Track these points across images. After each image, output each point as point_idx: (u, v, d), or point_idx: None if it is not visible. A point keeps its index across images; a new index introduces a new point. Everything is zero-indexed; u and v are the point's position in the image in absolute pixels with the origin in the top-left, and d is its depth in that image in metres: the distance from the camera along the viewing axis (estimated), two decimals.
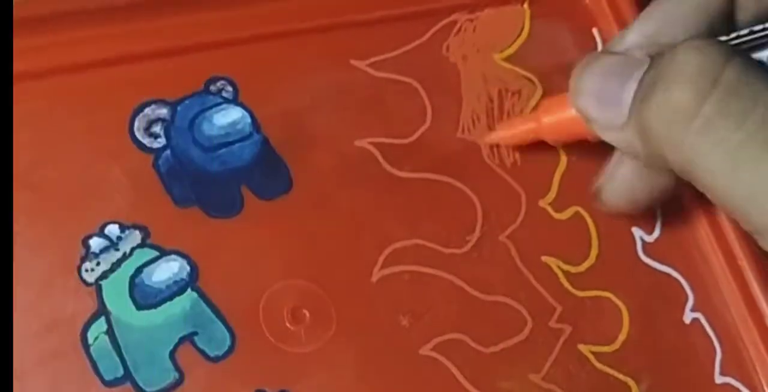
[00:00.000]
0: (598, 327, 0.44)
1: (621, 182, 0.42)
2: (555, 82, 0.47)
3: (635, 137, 0.36)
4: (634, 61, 0.35)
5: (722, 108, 0.32)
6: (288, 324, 0.42)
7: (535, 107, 0.46)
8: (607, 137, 0.37)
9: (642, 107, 0.34)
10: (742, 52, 0.34)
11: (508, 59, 0.48)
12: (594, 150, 0.46)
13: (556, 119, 0.43)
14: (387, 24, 0.47)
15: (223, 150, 0.44)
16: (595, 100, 0.36)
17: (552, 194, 0.46)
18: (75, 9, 0.43)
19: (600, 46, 0.49)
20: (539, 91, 0.47)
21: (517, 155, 0.46)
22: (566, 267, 0.45)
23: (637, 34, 0.38)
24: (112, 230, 0.42)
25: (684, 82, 0.33)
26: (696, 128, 0.32)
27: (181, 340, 0.41)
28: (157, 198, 0.43)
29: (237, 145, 0.44)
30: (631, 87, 0.35)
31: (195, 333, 0.41)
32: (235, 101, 0.45)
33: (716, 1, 0.37)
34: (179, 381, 0.40)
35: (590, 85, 0.36)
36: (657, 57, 0.35)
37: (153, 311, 0.41)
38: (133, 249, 0.42)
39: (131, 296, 0.41)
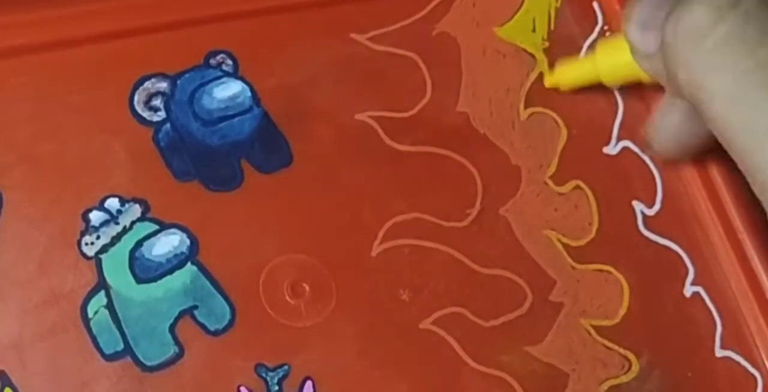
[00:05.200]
0: (598, 301, 0.43)
1: (669, 128, 0.40)
2: (555, 55, 0.46)
3: (661, 61, 0.34)
4: None
5: (738, 31, 0.30)
6: (288, 298, 0.41)
7: (593, 48, 0.45)
8: (643, 65, 0.36)
9: (664, 23, 0.33)
10: None
11: (508, 33, 0.46)
12: (596, 124, 0.45)
13: (612, 60, 0.42)
14: None
15: (223, 124, 0.42)
16: (639, 26, 0.35)
17: (552, 168, 0.45)
18: None
19: (600, 21, 0.47)
20: (539, 65, 0.46)
21: (518, 128, 0.45)
22: (566, 241, 0.44)
23: None
24: (112, 203, 0.41)
25: (705, 1, 0.31)
26: (708, 46, 0.31)
27: (181, 314, 0.40)
28: (156, 172, 0.41)
29: (237, 118, 0.43)
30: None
31: (195, 307, 0.40)
32: (235, 74, 0.43)
33: None
34: (179, 355, 0.39)
35: (637, 12, 0.35)
36: None
37: (153, 285, 0.40)
38: (133, 223, 0.41)
39: (131, 269, 0.40)
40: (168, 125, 0.42)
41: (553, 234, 0.44)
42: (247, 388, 0.39)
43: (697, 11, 0.31)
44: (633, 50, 0.36)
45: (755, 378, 0.43)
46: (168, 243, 0.40)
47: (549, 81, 0.45)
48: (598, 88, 0.45)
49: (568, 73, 0.45)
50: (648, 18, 0.35)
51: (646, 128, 0.43)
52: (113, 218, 0.40)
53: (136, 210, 0.41)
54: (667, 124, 0.41)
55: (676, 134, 0.41)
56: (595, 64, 0.43)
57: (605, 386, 0.42)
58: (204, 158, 0.42)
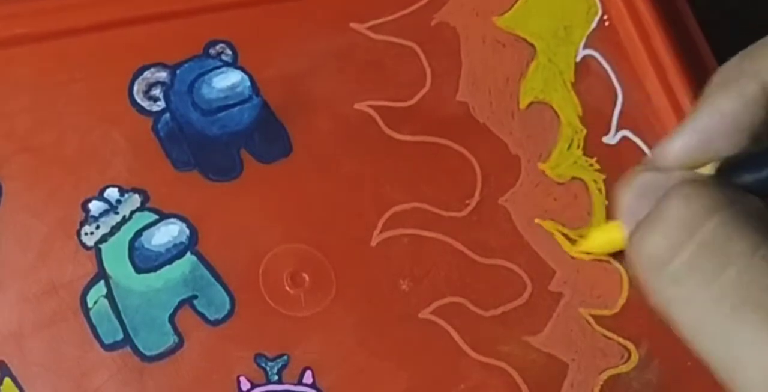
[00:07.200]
0: (597, 291, 0.42)
1: None
2: (553, 45, 0.45)
3: None
4: (662, 182, 0.32)
5: (693, 264, 0.29)
6: (288, 288, 0.40)
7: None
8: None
9: (628, 245, 0.32)
10: (741, 201, 0.31)
11: (507, 23, 0.45)
12: (595, 113, 0.44)
13: None
14: None
15: (223, 113, 0.42)
16: (628, 215, 0.33)
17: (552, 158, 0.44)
18: None
19: (600, 11, 0.46)
20: (539, 55, 0.45)
21: (518, 118, 0.44)
22: (566, 231, 0.43)
23: (680, 147, 0.34)
24: (112, 193, 0.40)
25: (661, 230, 0.30)
26: (666, 279, 0.30)
27: (181, 304, 0.39)
28: (156, 162, 0.41)
29: (236, 108, 0.42)
30: (646, 211, 0.32)
31: (194, 297, 0.39)
32: (234, 64, 0.43)
33: (758, 113, 0.34)
34: (179, 345, 0.39)
35: (624, 201, 0.33)
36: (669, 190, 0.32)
37: (152, 274, 0.39)
38: (132, 213, 0.40)
39: (131, 259, 0.39)
40: (167, 115, 0.41)
41: (552, 224, 0.43)
42: (246, 378, 0.39)
43: (652, 242, 0.30)
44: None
45: None
46: (167, 233, 0.40)
47: (580, 247, 0.43)
48: (596, 78, 0.45)
49: (599, 242, 0.42)
50: (630, 205, 0.33)
51: None
52: (113, 208, 0.40)
53: (135, 200, 0.40)
54: None
55: None
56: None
57: (605, 375, 0.41)
58: (203, 147, 0.41)
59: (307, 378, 0.39)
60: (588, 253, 0.43)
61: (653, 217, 0.31)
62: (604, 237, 0.42)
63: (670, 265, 0.30)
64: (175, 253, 0.40)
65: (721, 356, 0.29)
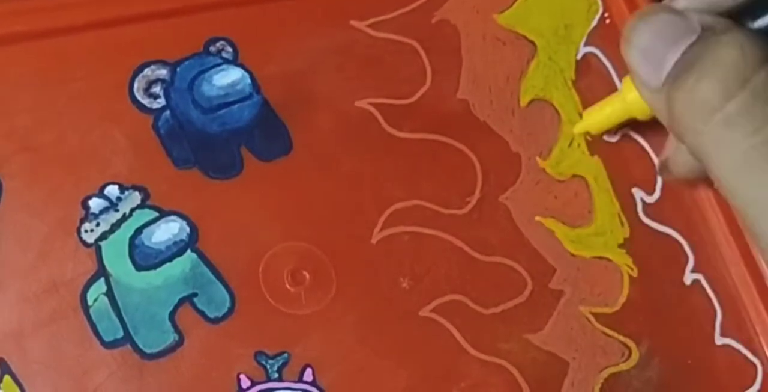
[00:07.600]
0: (598, 289, 0.42)
1: (684, 163, 0.41)
2: (554, 43, 0.45)
3: (664, 106, 0.34)
4: (685, 27, 0.33)
5: (745, 109, 0.31)
6: (288, 286, 0.40)
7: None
8: (643, 93, 0.36)
9: (673, 87, 0.33)
10: None
11: (508, 20, 0.45)
12: None
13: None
14: None
15: (223, 111, 0.42)
16: (641, 55, 0.34)
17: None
18: None
19: (601, 9, 0.46)
20: (540, 53, 0.45)
21: (518, 116, 0.44)
22: (566, 228, 0.43)
23: None
24: (112, 191, 0.40)
25: (715, 76, 0.31)
26: (716, 122, 0.31)
27: (181, 301, 0.39)
28: (156, 159, 0.41)
29: (236, 106, 0.42)
30: (674, 54, 0.33)
31: (195, 295, 0.39)
32: (234, 61, 0.42)
33: None
34: (179, 343, 0.39)
35: (639, 40, 0.34)
36: (705, 33, 0.33)
37: (152, 272, 0.39)
38: (132, 210, 0.40)
39: (131, 257, 0.39)
40: (168, 113, 0.41)
41: (552, 222, 0.43)
42: (246, 376, 0.38)
43: (707, 86, 0.31)
44: (633, 75, 0.35)
45: (755, 366, 0.42)
46: (168, 231, 0.40)
47: (578, 128, 0.44)
48: (597, 76, 0.45)
49: (598, 116, 0.43)
50: (649, 47, 0.34)
51: (660, 157, 0.43)
52: (113, 205, 0.40)
53: (135, 198, 0.40)
54: (681, 160, 0.40)
55: (691, 166, 0.40)
56: (624, 100, 0.41)
57: (605, 373, 0.41)
58: (204, 145, 0.41)
59: (308, 375, 0.39)
60: (589, 132, 0.43)
61: (706, 62, 0.32)
62: (605, 111, 0.42)
63: (722, 109, 0.31)
64: (175, 251, 0.39)
65: (754, 198, 0.31)
